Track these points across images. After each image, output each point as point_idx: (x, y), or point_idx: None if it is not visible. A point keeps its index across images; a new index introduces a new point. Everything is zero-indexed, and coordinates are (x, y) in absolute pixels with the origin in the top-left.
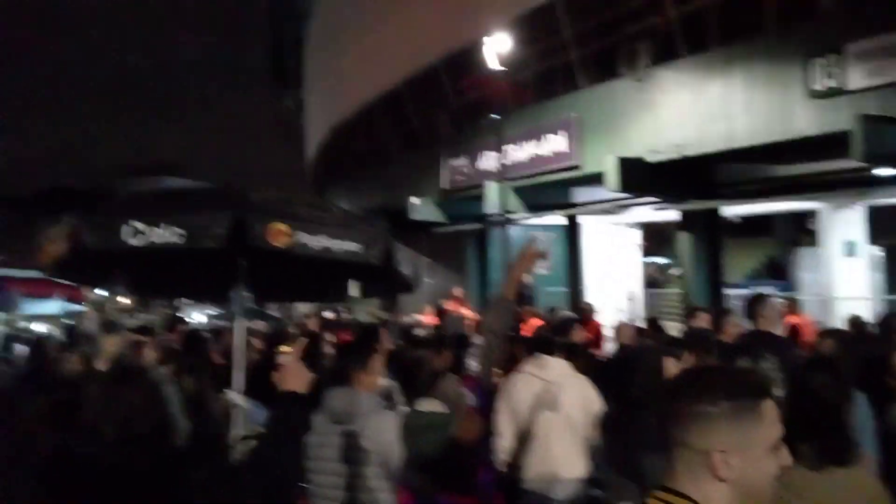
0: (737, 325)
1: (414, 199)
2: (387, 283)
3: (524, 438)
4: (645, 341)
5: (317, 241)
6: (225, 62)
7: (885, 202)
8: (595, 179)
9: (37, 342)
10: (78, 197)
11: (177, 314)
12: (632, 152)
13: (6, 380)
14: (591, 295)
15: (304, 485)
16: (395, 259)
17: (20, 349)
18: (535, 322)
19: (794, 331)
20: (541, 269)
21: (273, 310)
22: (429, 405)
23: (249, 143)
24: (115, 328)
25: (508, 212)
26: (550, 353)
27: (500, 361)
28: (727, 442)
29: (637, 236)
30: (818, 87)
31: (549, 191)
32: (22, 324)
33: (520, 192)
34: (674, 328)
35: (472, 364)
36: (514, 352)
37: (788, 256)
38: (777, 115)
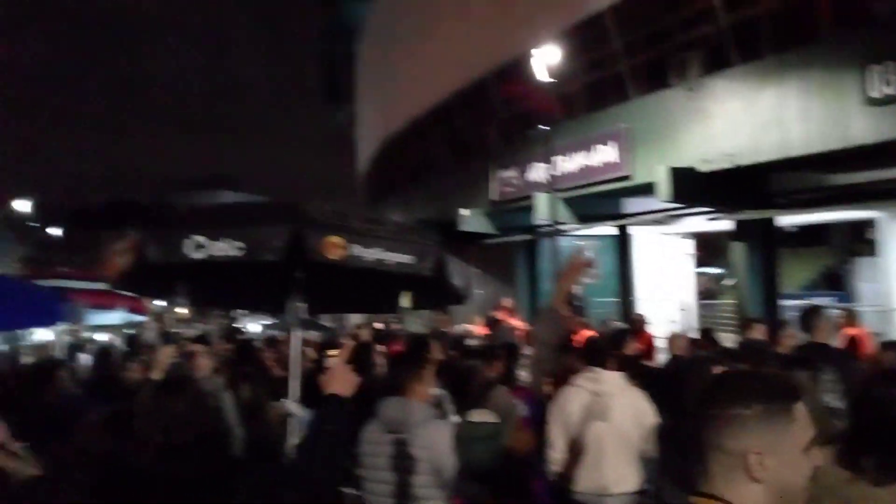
0: (793, 337)
1: (463, 211)
2: (438, 295)
3: (576, 450)
4: (698, 352)
5: (370, 254)
6: (279, 79)
7: None
8: (646, 190)
9: (101, 351)
10: (139, 211)
11: (233, 325)
12: (683, 162)
13: (70, 388)
14: (642, 306)
15: (356, 492)
16: (446, 270)
17: (84, 358)
18: (587, 333)
19: (853, 343)
20: (589, 278)
21: (326, 320)
22: (480, 415)
23: (303, 157)
24: (170, 339)
25: (558, 223)
26: (604, 364)
27: (551, 372)
28: (762, 444)
29: (689, 247)
30: (875, 94)
31: (599, 201)
32: (86, 334)
33: (569, 202)
34: (728, 340)
35: (523, 374)
36: (567, 363)
37: (846, 266)
38: (833, 122)
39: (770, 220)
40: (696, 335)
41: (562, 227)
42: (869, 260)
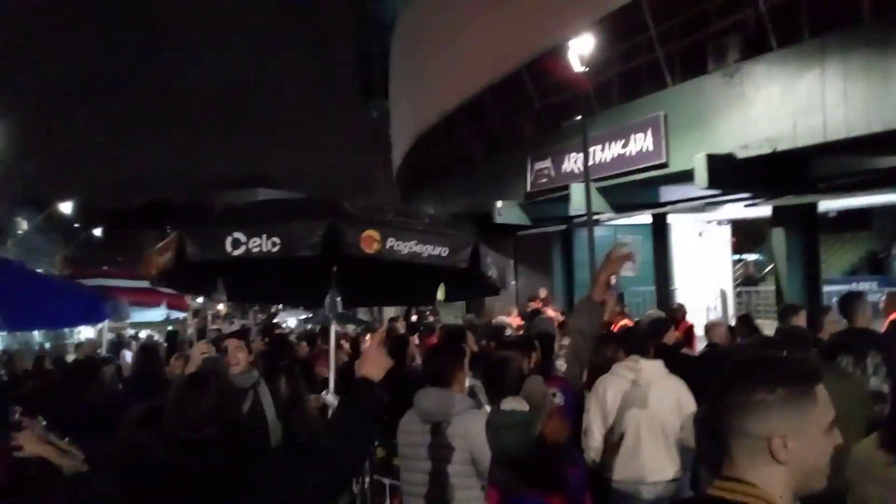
0: (835, 323)
1: (498, 203)
2: (473, 286)
3: (613, 438)
4: (736, 340)
5: (406, 247)
6: (315, 77)
7: None
8: (683, 177)
9: (143, 348)
10: (177, 210)
11: (273, 320)
12: (721, 148)
13: (114, 385)
14: (680, 294)
15: (394, 481)
16: (481, 262)
17: (127, 355)
18: (624, 322)
19: None
20: (627, 271)
21: (362, 314)
22: (511, 404)
23: (339, 155)
24: (204, 334)
25: (594, 212)
26: (644, 353)
27: (588, 363)
28: (785, 427)
29: (727, 234)
30: None
31: (635, 190)
32: (129, 331)
33: (605, 192)
34: (768, 327)
35: (560, 364)
36: (608, 351)
37: (889, 250)
38: (876, 105)
39: (811, 206)
40: (734, 323)
41: (598, 217)
42: None
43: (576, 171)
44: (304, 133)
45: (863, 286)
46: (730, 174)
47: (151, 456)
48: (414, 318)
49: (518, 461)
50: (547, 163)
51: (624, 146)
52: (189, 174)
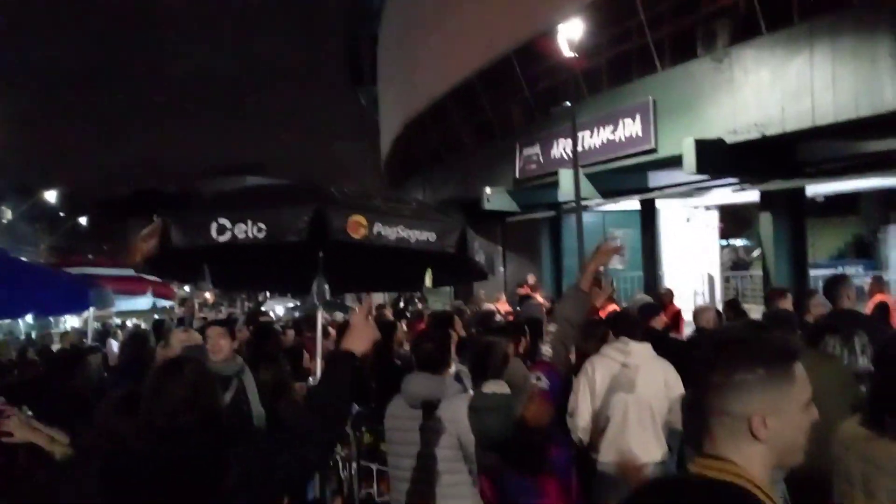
0: (821, 306)
1: (487, 189)
2: (461, 272)
3: (601, 419)
4: (724, 324)
5: (392, 232)
6: (304, 64)
7: None
8: (672, 163)
9: (132, 336)
10: (165, 198)
11: (260, 308)
12: (710, 134)
13: (100, 373)
14: (668, 279)
15: (382, 467)
16: (469, 247)
17: (114, 345)
18: (612, 307)
19: (882, 309)
20: (616, 263)
21: (350, 301)
22: (492, 387)
23: (328, 141)
24: (184, 322)
25: (582, 198)
26: (633, 336)
27: (577, 348)
28: (764, 406)
29: (714, 219)
30: None
31: (624, 176)
32: (115, 320)
33: (594, 178)
34: (758, 311)
35: (546, 350)
36: (598, 336)
37: (876, 235)
38: (865, 89)
39: (798, 190)
40: (721, 307)
41: (586, 203)
42: None
43: (564, 156)
44: (294, 120)
45: (849, 270)
46: (718, 159)
47: (128, 444)
48: (402, 304)
49: (500, 444)
50: (535, 149)
51: (613, 132)
52: (177, 162)
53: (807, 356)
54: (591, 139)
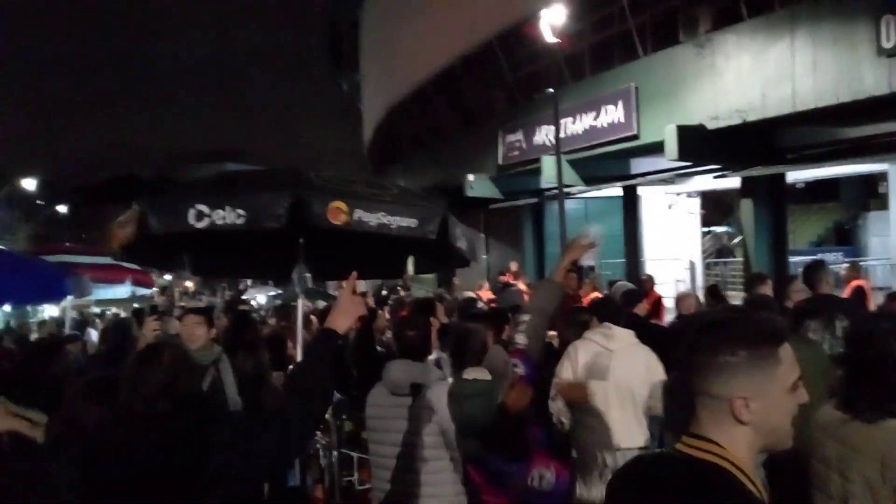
0: (801, 292)
1: (470, 176)
2: (443, 258)
3: (583, 403)
4: (704, 310)
5: (373, 218)
6: (283, 48)
7: None
8: (654, 149)
9: (116, 324)
10: (144, 185)
11: (241, 296)
12: (692, 120)
13: (78, 362)
14: (650, 265)
15: (363, 455)
16: (451, 233)
17: (92, 333)
18: (595, 295)
19: (860, 293)
20: (590, 259)
21: (333, 289)
22: (473, 373)
23: (308, 127)
24: (154, 310)
25: (565, 185)
26: (617, 322)
27: (561, 337)
28: (747, 388)
29: (696, 206)
30: (889, 44)
31: (606, 162)
32: (95, 309)
33: (576, 164)
34: (738, 297)
35: (520, 339)
36: (581, 321)
37: (856, 221)
38: (844, 75)
39: (779, 177)
40: (703, 293)
41: (569, 190)
42: (880, 214)
43: (547, 143)
44: (274, 106)
45: (829, 257)
46: (700, 145)
47: (106, 430)
48: (384, 292)
49: (481, 430)
50: (518, 135)
51: (595, 118)
52: (156, 149)
53: (787, 341)
54: (574, 126)
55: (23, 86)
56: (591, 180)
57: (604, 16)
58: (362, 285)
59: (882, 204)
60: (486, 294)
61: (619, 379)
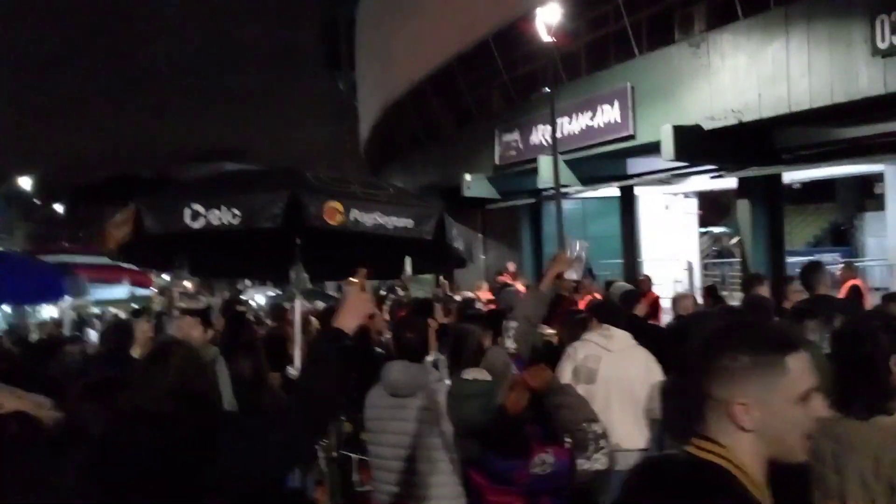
0: (799, 292)
1: (467, 176)
2: (440, 258)
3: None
4: (702, 310)
5: (370, 218)
6: (279, 47)
7: None
8: (650, 149)
9: (116, 325)
10: (142, 184)
11: (240, 297)
12: (688, 120)
13: (77, 363)
14: (647, 266)
15: (362, 456)
16: (447, 233)
17: (91, 334)
18: (592, 296)
19: (857, 293)
20: (572, 273)
21: (331, 290)
22: (472, 374)
23: (305, 126)
24: (142, 314)
25: (562, 185)
26: (616, 323)
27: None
28: (748, 394)
29: (693, 206)
30: (884, 45)
31: (603, 163)
32: (93, 309)
33: (573, 164)
34: (735, 298)
35: (510, 343)
36: (579, 322)
37: (853, 221)
38: (840, 75)
39: (776, 177)
40: (700, 294)
41: (566, 190)
42: (876, 214)
43: (544, 143)
44: (272, 105)
45: (826, 257)
46: (696, 146)
47: (108, 430)
48: (383, 292)
49: (480, 431)
50: (515, 135)
51: (591, 118)
52: (154, 148)
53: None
54: (570, 125)
55: (19, 84)
56: (588, 180)
57: (599, 15)
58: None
59: (878, 205)
60: (484, 294)
61: (620, 380)
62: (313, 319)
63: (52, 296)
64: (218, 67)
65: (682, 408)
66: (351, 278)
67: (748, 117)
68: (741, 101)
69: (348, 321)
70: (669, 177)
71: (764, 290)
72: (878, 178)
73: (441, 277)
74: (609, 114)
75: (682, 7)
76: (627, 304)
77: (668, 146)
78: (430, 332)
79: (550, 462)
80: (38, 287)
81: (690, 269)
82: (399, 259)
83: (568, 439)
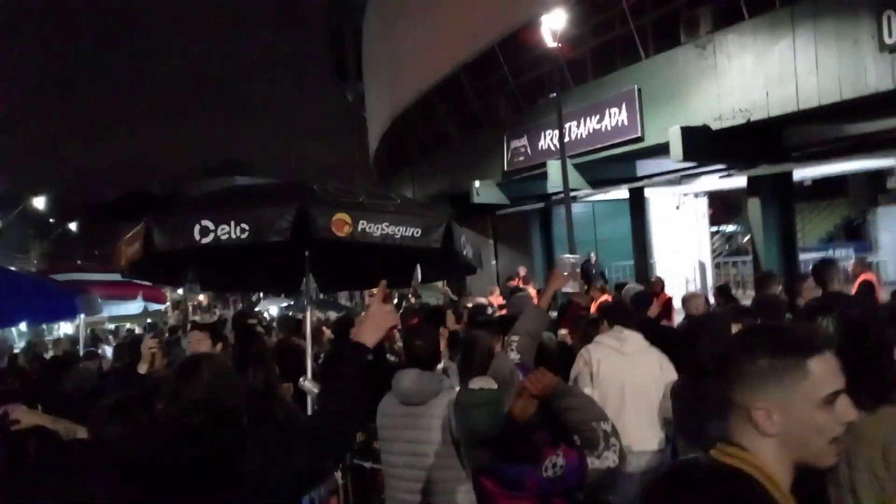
0: (812, 290)
1: (476, 183)
2: (449, 266)
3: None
4: (712, 309)
5: (378, 229)
6: (288, 59)
7: None
8: (659, 151)
9: (133, 342)
10: (155, 201)
11: (254, 308)
12: (696, 120)
13: (92, 379)
14: (659, 267)
15: (374, 465)
16: (455, 242)
17: (107, 350)
18: (605, 298)
19: (869, 288)
20: (568, 288)
21: (343, 300)
22: (479, 382)
23: (317, 138)
24: (152, 328)
25: (571, 189)
26: (628, 325)
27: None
28: (768, 399)
29: (704, 206)
30: (890, 40)
31: (612, 165)
32: (109, 325)
33: (582, 168)
34: (748, 297)
35: (514, 356)
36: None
37: (865, 217)
38: (847, 72)
39: (786, 175)
40: (711, 294)
41: (575, 194)
42: (888, 209)
43: (552, 147)
44: (282, 118)
45: (839, 253)
46: (704, 146)
47: (136, 443)
48: (395, 300)
49: (489, 440)
50: (523, 141)
51: (599, 121)
52: (165, 163)
53: None
54: (578, 129)
55: (32, 104)
56: (598, 183)
57: (605, 19)
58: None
59: (891, 199)
60: (497, 300)
61: (635, 382)
62: (326, 330)
63: (67, 314)
64: (227, 82)
65: (694, 410)
66: (373, 289)
67: (756, 116)
68: (749, 101)
69: (370, 335)
70: (679, 178)
71: (776, 289)
72: (890, 172)
73: (442, 284)
74: (616, 117)
75: (688, 9)
76: (640, 306)
77: (676, 147)
78: (440, 340)
79: (561, 464)
80: (53, 306)
81: (702, 268)
82: (408, 267)
83: (577, 439)
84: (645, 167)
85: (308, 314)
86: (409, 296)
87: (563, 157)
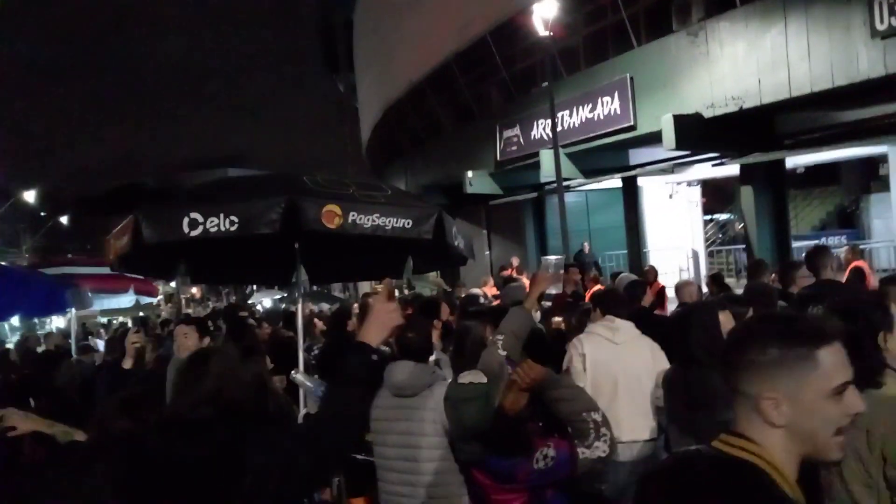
0: (806, 278)
1: (469, 173)
2: (440, 257)
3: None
4: (703, 297)
5: (368, 220)
6: (280, 51)
7: None
8: (652, 139)
9: (122, 335)
10: (147, 194)
11: (247, 301)
12: (688, 109)
13: (83, 373)
14: (652, 256)
15: (367, 458)
16: (447, 233)
17: (99, 344)
18: (598, 288)
19: (860, 275)
20: (552, 289)
21: (337, 291)
22: (469, 377)
23: (308, 129)
24: (143, 322)
25: (564, 178)
26: (620, 314)
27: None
28: (777, 389)
29: (697, 194)
30: (882, 26)
31: (605, 154)
32: (100, 319)
33: (575, 157)
34: (741, 285)
35: (500, 352)
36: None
37: (858, 204)
38: (839, 58)
39: (778, 162)
40: (704, 282)
41: (568, 183)
42: (881, 196)
43: (544, 137)
44: (274, 110)
45: (833, 241)
46: (697, 134)
47: (146, 441)
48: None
49: (479, 434)
50: (515, 130)
51: (591, 110)
52: (156, 156)
53: None
54: (571, 118)
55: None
56: (590, 173)
57: (596, 7)
58: (366, 286)
59: (884, 186)
60: (491, 290)
61: (628, 372)
62: (318, 322)
63: (57, 308)
64: (218, 74)
65: (686, 399)
66: (377, 286)
67: (749, 104)
68: (741, 88)
69: (375, 335)
70: (671, 166)
71: (768, 277)
72: (883, 159)
73: (436, 275)
74: (609, 105)
75: None
76: (633, 295)
77: (669, 135)
78: (433, 332)
79: (552, 456)
80: (43, 300)
81: (696, 257)
82: (400, 259)
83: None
84: (638, 156)
85: (300, 306)
86: (404, 287)
87: (555, 147)
